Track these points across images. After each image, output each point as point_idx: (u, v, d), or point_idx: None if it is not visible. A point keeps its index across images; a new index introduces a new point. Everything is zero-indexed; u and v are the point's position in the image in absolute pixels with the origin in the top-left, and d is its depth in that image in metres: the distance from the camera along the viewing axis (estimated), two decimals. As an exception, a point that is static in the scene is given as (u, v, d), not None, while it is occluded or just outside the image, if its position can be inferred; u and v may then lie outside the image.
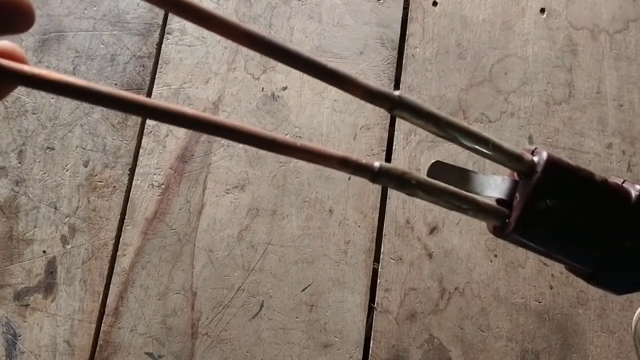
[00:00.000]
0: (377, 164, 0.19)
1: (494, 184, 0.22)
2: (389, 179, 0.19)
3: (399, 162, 0.68)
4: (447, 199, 0.20)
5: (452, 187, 0.20)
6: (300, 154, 0.18)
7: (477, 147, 0.20)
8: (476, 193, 0.22)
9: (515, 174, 0.22)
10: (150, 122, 0.72)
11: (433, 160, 0.22)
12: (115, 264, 0.67)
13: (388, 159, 0.69)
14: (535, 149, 0.21)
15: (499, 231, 0.22)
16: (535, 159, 0.21)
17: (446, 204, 0.20)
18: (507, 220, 0.21)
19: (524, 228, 0.21)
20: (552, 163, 0.20)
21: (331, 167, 0.19)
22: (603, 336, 0.63)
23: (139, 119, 0.72)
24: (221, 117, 0.18)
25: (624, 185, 0.21)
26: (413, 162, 0.68)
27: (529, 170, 0.21)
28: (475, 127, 0.21)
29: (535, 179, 0.20)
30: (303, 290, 0.65)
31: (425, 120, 0.20)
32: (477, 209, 0.21)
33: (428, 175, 0.21)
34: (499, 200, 0.22)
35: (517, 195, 0.21)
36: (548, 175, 0.20)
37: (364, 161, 0.19)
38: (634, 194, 0.21)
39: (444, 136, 0.20)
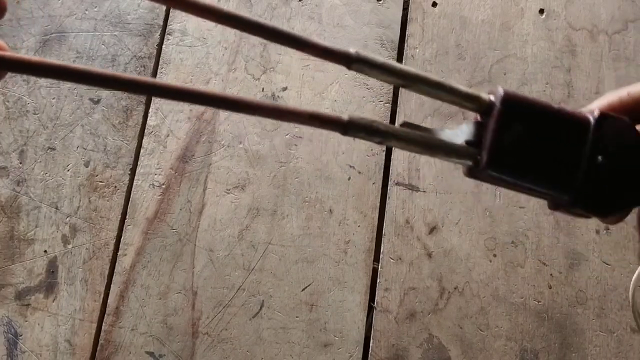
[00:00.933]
0: (345, 116, 0.20)
1: (459, 132, 0.23)
2: (359, 129, 0.20)
3: (399, 161, 0.69)
4: (417, 143, 0.21)
5: (421, 133, 0.21)
6: (269, 113, 0.20)
7: (435, 91, 0.22)
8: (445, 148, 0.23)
9: (478, 116, 0.23)
10: (150, 123, 0.72)
11: (402, 121, 0.23)
12: (116, 264, 0.68)
13: (388, 158, 0.69)
14: (491, 89, 0.22)
15: (473, 171, 0.23)
16: (492, 97, 0.22)
17: (417, 149, 0.21)
18: (478, 158, 0.22)
19: (495, 161, 0.22)
20: (509, 96, 0.21)
21: (302, 123, 0.20)
22: (602, 335, 0.63)
23: (140, 120, 0.72)
24: (177, 84, 0.20)
25: (585, 113, 0.22)
26: (413, 162, 0.68)
27: (488, 108, 0.22)
28: (434, 75, 0.22)
29: (496, 112, 0.21)
30: (303, 289, 0.66)
31: (381, 71, 0.21)
32: (448, 151, 0.22)
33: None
34: (468, 142, 0.22)
35: (484, 134, 0.22)
36: (507, 107, 0.21)
37: (333, 115, 0.20)
38: (591, 117, 0.22)
39: (402, 85, 0.21)
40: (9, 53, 0.18)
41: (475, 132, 0.22)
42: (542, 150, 0.22)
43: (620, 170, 0.22)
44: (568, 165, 0.22)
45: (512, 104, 0.21)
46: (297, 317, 0.65)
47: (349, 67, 0.21)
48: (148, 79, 0.19)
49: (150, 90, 0.19)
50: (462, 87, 0.22)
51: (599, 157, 0.22)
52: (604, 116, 0.22)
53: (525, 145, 0.22)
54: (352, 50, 0.20)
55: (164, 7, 0.76)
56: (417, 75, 0.21)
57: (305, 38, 0.20)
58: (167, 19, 0.76)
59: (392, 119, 0.70)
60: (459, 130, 0.23)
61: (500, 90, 0.21)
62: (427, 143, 0.21)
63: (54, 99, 0.73)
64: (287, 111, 0.20)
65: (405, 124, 0.22)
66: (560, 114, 0.22)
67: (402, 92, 0.71)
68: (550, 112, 0.22)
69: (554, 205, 0.23)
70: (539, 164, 0.22)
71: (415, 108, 0.70)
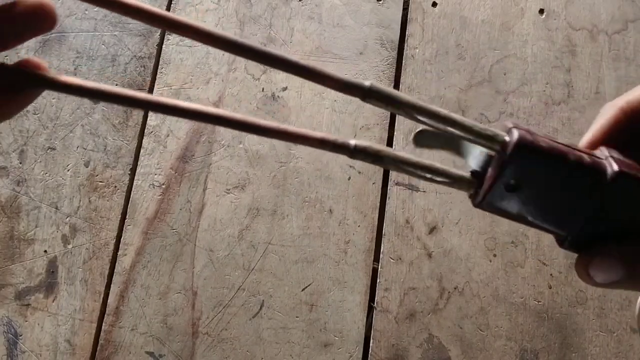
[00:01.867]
0: (352, 142, 0.20)
1: (473, 154, 0.22)
2: (365, 156, 0.21)
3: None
4: (422, 172, 0.21)
5: (425, 162, 0.21)
6: (279, 135, 0.20)
7: (450, 129, 0.21)
8: (460, 157, 0.23)
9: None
10: (151, 123, 0.72)
11: (419, 129, 0.23)
12: (116, 264, 0.68)
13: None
14: (511, 127, 0.21)
15: (472, 199, 0.23)
16: (507, 138, 0.21)
17: (421, 177, 0.21)
18: (477, 191, 0.22)
19: (490, 201, 0.22)
20: (522, 145, 0.21)
21: (312, 147, 0.20)
22: (602, 335, 0.63)
23: (140, 120, 0.72)
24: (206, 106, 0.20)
25: (602, 161, 0.22)
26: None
27: (501, 148, 0.21)
28: (445, 110, 0.22)
29: (504, 159, 0.21)
30: (303, 289, 0.66)
31: (396, 107, 0.21)
32: (451, 181, 0.22)
33: (414, 142, 0.23)
34: (474, 172, 0.22)
35: (490, 169, 0.22)
36: (516, 156, 0.21)
37: (340, 140, 0.20)
38: (609, 170, 0.21)
39: (417, 120, 0.21)
40: (53, 74, 0.19)
41: (483, 164, 0.22)
42: (543, 199, 0.22)
43: (617, 228, 0.22)
44: (570, 213, 0.22)
45: (523, 154, 0.21)
46: (297, 317, 0.65)
47: (363, 100, 0.21)
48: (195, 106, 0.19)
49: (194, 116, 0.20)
50: (479, 126, 0.21)
51: (604, 212, 0.21)
52: (622, 173, 0.21)
53: (525, 193, 0.21)
54: (366, 82, 0.21)
55: (164, 7, 0.76)
56: (432, 112, 0.21)
57: (320, 70, 0.20)
58: (167, 19, 0.75)
59: (392, 119, 0.70)
60: (473, 150, 0.22)
61: (515, 137, 0.21)
62: (429, 176, 0.21)
63: (54, 98, 0.73)
64: (297, 135, 0.20)
65: (423, 132, 0.22)
66: (576, 164, 0.21)
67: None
68: (564, 164, 0.21)
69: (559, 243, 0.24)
70: (538, 210, 0.22)
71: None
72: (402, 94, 0.21)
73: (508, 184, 0.21)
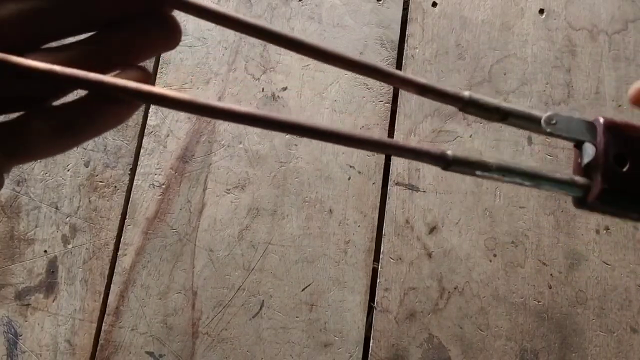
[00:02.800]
0: (450, 153, 0.20)
1: (585, 153, 0.22)
2: (461, 166, 0.21)
3: (399, 161, 0.69)
4: (525, 180, 0.21)
5: (523, 167, 0.21)
6: (373, 147, 0.20)
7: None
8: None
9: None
10: (151, 122, 0.72)
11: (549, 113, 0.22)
12: (116, 264, 0.68)
13: (388, 158, 0.69)
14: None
15: (580, 202, 0.22)
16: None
17: (522, 184, 0.21)
18: (588, 190, 0.22)
19: (608, 189, 0.21)
20: (608, 122, 0.21)
21: (406, 158, 0.20)
22: (602, 335, 0.63)
23: (140, 120, 0.72)
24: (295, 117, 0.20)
25: None
26: (412, 162, 0.68)
27: (594, 135, 0.22)
28: (535, 111, 0.22)
29: (602, 135, 0.21)
30: (303, 289, 0.66)
31: (490, 114, 0.21)
32: (553, 185, 0.21)
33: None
34: (586, 166, 0.22)
35: (596, 155, 0.22)
36: (609, 132, 0.21)
37: (433, 150, 0.20)
38: None
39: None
40: (156, 88, 0.19)
41: (592, 156, 0.22)
42: None
43: None
44: None
45: (612, 127, 0.21)
46: (297, 317, 0.65)
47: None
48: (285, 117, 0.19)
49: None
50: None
51: None
52: None
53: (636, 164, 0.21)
54: (465, 92, 0.21)
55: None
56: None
57: (424, 82, 0.21)
58: (167, 19, 0.76)
59: (392, 119, 0.70)
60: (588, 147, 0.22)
61: (600, 119, 0.21)
62: (529, 183, 0.21)
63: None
64: (390, 145, 0.20)
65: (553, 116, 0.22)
66: None
67: (402, 92, 0.71)
68: None
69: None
70: None
71: (416, 108, 0.70)
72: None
73: (617, 155, 0.21)
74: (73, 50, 0.19)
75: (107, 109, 0.19)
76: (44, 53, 0.19)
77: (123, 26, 0.19)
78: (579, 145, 0.22)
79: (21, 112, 0.19)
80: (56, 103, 0.20)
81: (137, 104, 0.20)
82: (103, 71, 0.19)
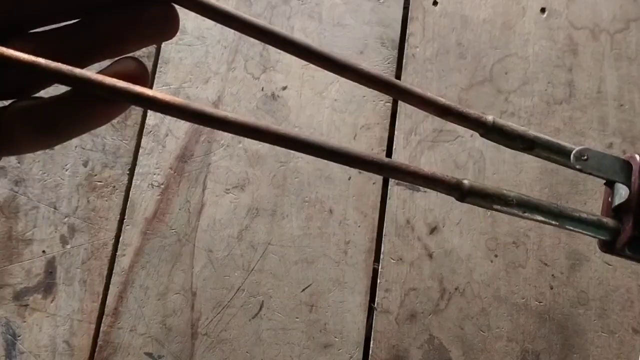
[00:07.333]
0: (466, 182, 0.19)
1: (617, 190, 0.21)
2: (477, 197, 0.20)
3: (399, 161, 0.68)
4: (544, 217, 0.20)
5: (546, 204, 0.20)
6: (380, 170, 0.19)
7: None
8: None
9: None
10: (150, 122, 0.71)
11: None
12: (115, 264, 0.67)
13: (388, 158, 0.69)
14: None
15: (606, 245, 0.21)
16: (633, 164, 0.20)
17: (543, 222, 0.20)
18: (616, 234, 0.20)
19: (639, 242, 0.20)
20: None
21: (421, 185, 0.19)
22: (604, 336, 0.63)
23: (139, 119, 0.72)
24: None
25: None
26: (413, 162, 0.68)
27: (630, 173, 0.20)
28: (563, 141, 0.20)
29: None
30: (303, 290, 0.65)
31: (514, 143, 0.20)
32: (578, 225, 0.20)
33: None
34: (616, 206, 0.21)
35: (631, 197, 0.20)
36: None
37: (448, 178, 0.19)
38: None
39: (537, 155, 0.20)
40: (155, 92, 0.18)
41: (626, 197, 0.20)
42: None
43: None
44: None
45: None
46: (297, 318, 0.64)
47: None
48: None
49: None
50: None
51: None
52: None
53: None
54: (489, 117, 0.20)
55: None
56: (547, 144, 0.20)
57: (452, 104, 0.20)
58: (166, 17, 0.75)
59: (393, 119, 0.70)
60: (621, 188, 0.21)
61: (638, 159, 0.20)
62: (553, 222, 0.20)
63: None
64: (402, 169, 0.19)
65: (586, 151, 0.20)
66: None
67: (403, 91, 0.70)
68: None
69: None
70: None
71: (416, 108, 0.70)
72: (520, 128, 0.19)
73: None
74: (61, 37, 0.18)
75: (93, 107, 0.18)
76: (31, 39, 0.18)
77: (117, 11, 0.18)
78: (609, 183, 0.21)
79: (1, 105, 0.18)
80: (39, 94, 0.19)
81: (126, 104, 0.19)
82: (95, 58, 0.18)
